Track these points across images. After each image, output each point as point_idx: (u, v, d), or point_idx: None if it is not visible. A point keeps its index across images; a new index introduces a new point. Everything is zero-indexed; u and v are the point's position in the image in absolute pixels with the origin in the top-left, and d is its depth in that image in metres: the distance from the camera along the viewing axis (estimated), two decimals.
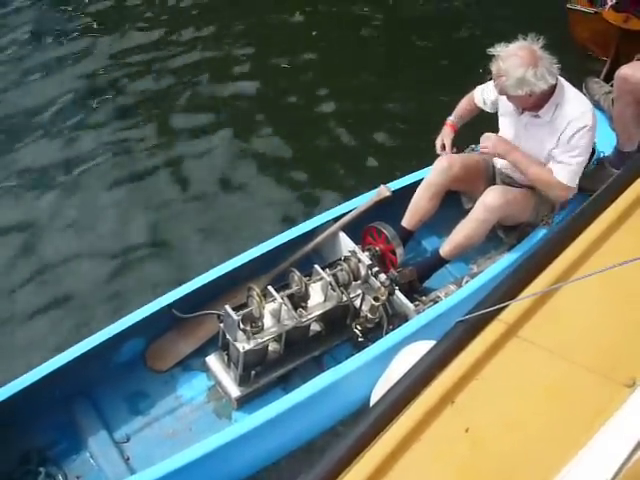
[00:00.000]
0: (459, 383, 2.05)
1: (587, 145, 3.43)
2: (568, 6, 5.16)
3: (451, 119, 3.83)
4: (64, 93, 5.17)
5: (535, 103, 3.38)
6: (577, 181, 3.48)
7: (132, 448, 3.19)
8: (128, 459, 3.14)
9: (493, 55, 3.27)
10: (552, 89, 3.35)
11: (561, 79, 3.41)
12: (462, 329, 2.15)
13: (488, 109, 3.78)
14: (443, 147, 3.74)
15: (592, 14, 5.04)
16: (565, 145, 3.40)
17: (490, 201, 3.48)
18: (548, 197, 3.63)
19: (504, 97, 3.45)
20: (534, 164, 3.50)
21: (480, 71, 4.85)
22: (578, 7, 5.13)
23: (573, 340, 2.16)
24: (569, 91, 3.42)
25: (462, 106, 3.85)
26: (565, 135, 3.39)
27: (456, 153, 3.74)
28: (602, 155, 4.04)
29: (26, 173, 4.65)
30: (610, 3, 4.90)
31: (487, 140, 3.54)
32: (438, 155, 3.74)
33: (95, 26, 5.67)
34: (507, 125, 3.64)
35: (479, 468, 1.93)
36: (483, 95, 3.76)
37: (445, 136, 3.77)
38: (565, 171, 3.44)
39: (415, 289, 3.58)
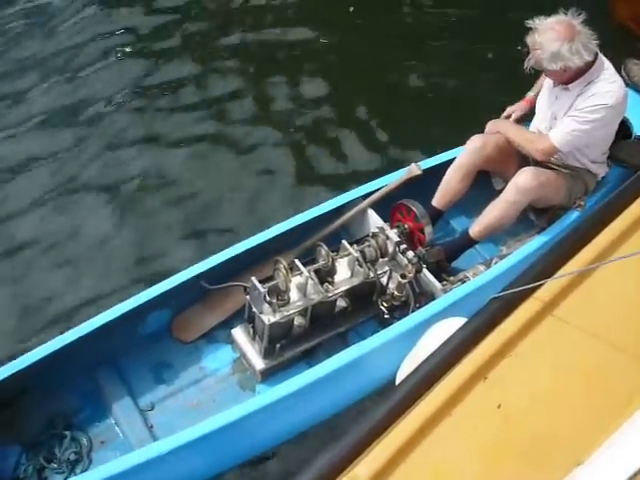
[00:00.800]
0: (492, 359, 2.04)
1: (597, 120, 3.35)
2: None
3: (530, 94, 3.79)
4: None
5: (570, 78, 3.34)
6: (566, 147, 3.44)
7: (156, 416, 3.20)
8: (152, 427, 3.16)
9: (530, 28, 3.23)
10: (589, 65, 3.30)
11: (603, 58, 3.36)
12: (496, 305, 2.14)
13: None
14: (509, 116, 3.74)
15: None
16: (573, 111, 3.38)
17: (523, 182, 3.44)
18: (581, 178, 3.59)
19: None
20: (516, 126, 3.60)
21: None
22: None
23: (609, 321, 2.13)
24: (607, 72, 3.36)
25: (540, 80, 3.79)
26: (580, 105, 3.36)
27: None
28: None
29: None
30: None
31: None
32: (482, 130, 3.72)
33: None
34: (542, 96, 3.62)
35: (510, 444, 1.93)
36: None
37: (517, 109, 3.75)
38: (558, 129, 3.42)
39: (443, 269, 3.55)
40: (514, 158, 3.68)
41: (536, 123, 3.66)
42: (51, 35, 5.38)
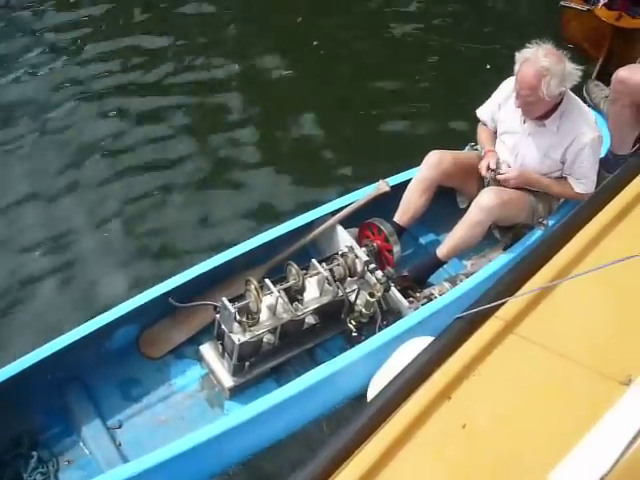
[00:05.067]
0: (456, 379, 2.05)
1: (598, 154, 3.54)
2: (562, 3, 5.17)
3: (488, 147, 3.75)
4: None
5: (550, 110, 3.43)
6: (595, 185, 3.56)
7: (124, 434, 3.19)
8: (119, 445, 3.14)
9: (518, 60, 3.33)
10: (563, 96, 3.39)
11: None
12: (460, 325, 2.16)
13: (494, 126, 3.79)
14: (488, 168, 3.63)
15: (585, 11, 5.05)
16: (579, 160, 3.48)
17: (485, 202, 3.49)
18: (545, 198, 3.66)
19: (507, 105, 3.51)
20: (554, 184, 3.60)
21: (487, 67, 5.09)
22: (572, 5, 5.14)
23: (570, 337, 2.16)
24: (572, 99, 3.47)
25: (484, 135, 3.82)
26: (575, 150, 3.46)
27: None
28: None
29: None
30: (603, 1, 4.92)
31: (510, 172, 3.56)
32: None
33: None
34: (509, 129, 3.65)
35: (476, 463, 1.94)
36: (490, 116, 3.78)
37: (490, 157, 3.65)
38: (587, 184, 3.55)
39: (414, 291, 3.58)
40: (474, 174, 3.73)
41: (504, 154, 3.68)
42: None
